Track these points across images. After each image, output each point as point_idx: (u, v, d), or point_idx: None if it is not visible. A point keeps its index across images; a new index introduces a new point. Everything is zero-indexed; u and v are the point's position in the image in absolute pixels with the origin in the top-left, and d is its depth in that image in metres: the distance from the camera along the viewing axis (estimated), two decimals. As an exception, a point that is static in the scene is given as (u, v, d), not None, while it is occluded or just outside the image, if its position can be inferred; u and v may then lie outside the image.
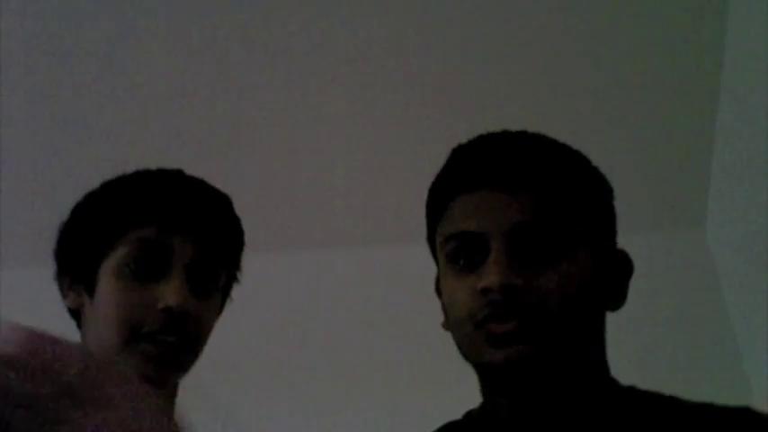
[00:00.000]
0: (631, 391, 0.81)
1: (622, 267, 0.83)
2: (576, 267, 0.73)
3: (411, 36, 2.13)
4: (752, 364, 2.17)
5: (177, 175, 1.00)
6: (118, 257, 0.88)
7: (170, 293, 0.84)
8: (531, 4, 2.07)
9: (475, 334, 0.73)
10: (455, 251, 0.77)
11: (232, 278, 0.99)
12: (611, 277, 0.79)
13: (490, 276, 0.71)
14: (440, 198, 0.82)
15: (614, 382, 0.82)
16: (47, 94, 2.22)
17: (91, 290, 0.90)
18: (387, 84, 2.22)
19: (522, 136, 0.84)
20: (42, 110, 2.25)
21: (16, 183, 2.37)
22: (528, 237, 0.73)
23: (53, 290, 2.75)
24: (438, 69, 2.19)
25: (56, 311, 2.66)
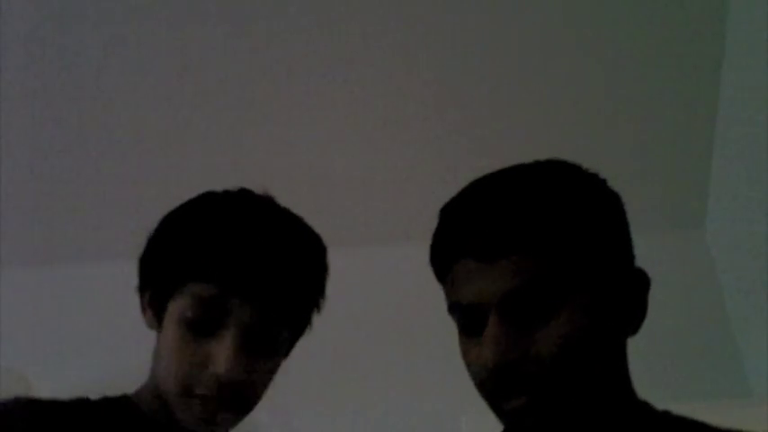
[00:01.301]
0: (665, 416, 0.79)
1: (637, 288, 0.79)
2: (576, 315, 0.72)
3: (411, 37, 2.13)
4: (752, 364, 2.17)
5: (246, 217, 0.88)
6: (179, 305, 0.85)
7: (220, 359, 0.82)
8: (531, 4, 2.07)
9: (489, 402, 0.74)
10: (458, 319, 0.78)
11: (298, 333, 0.96)
12: (624, 305, 0.77)
13: (484, 355, 0.71)
14: (437, 264, 0.81)
15: (646, 406, 0.80)
16: (47, 94, 2.22)
17: (160, 321, 0.88)
18: (387, 84, 2.22)
19: (508, 192, 0.77)
20: (43, 110, 2.25)
21: (16, 183, 2.37)
22: (521, 302, 0.72)
23: (53, 290, 2.75)
24: (437, 70, 2.20)
25: (56, 311, 2.66)
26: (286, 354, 0.96)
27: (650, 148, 2.32)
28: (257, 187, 0.94)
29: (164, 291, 0.87)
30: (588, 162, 2.61)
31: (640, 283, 0.80)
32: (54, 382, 2.28)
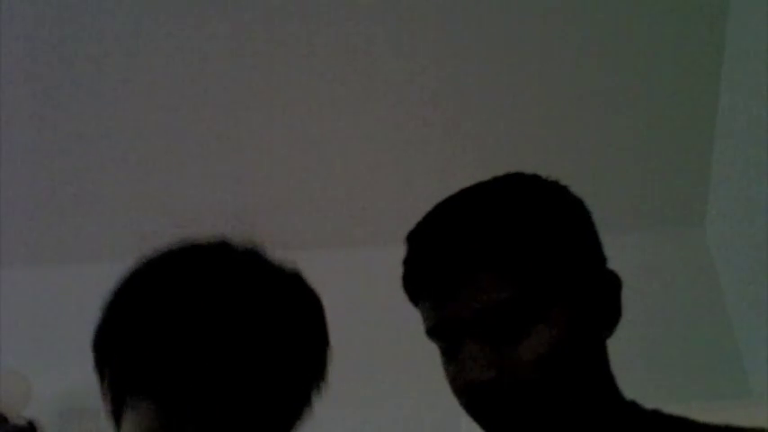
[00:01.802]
0: (654, 414, 0.79)
1: (610, 290, 0.79)
2: (549, 328, 0.72)
3: (411, 38, 2.13)
4: (752, 364, 2.17)
5: (222, 302, 0.68)
6: (129, 419, 0.69)
7: None
8: (531, 4, 2.07)
9: (476, 422, 0.75)
10: (437, 343, 0.79)
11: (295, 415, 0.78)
12: (598, 308, 0.77)
13: (462, 376, 0.73)
14: (409, 291, 0.81)
15: (634, 406, 0.80)
16: (47, 94, 2.22)
17: (117, 420, 0.72)
18: (387, 85, 2.22)
19: (467, 214, 0.77)
20: (43, 110, 2.25)
21: (16, 183, 2.37)
22: (492, 320, 0.72)
23: (53, 290, 2.75)
24: (437, 71, 2.20)
25: (56, 311, 2.66)
26: None
27: (650, 147, 2.32)
28: (243, 228, 0.82)
29: (117, 392, 0.71)
30: (588, 162, 2.63)
31: (612, 284, 0.80)
32: (54, 382, 2.28)
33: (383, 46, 2.15)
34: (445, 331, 0.75)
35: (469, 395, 0.73)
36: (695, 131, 2.29)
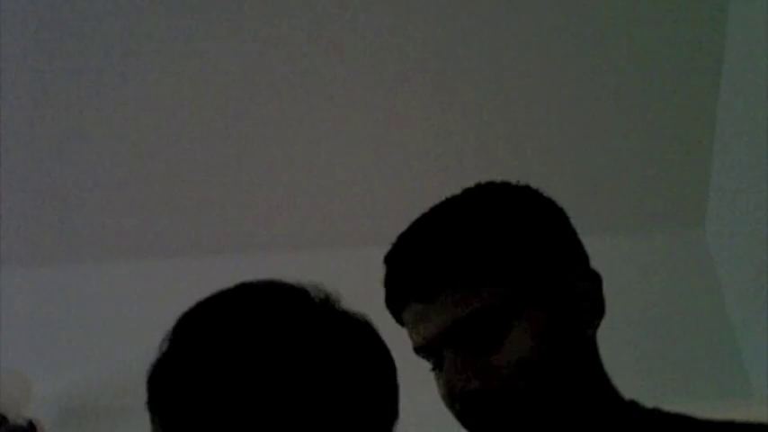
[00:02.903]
0: (653, 412, 0.80)
1: (587, 287, 0.80)
2: (527, 332, 0.74)
3: (410, 38, 2.13)
4: (752, 364, 2.17)
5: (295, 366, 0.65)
6: None
7: None
8: (531, 4, 2.07)
9: (468, 429, 0.76)
10: (425, 359, 0.80)
11: None
12: (577, 308, 0.78)
13: (447, 387, 0.74)
14: (391, 310, 0.84)
15: (633, 405, 0.81)
16: (47, 94, 2.22)
17: None
18: (387, 85, 2.22)
19: (435, 230, 0.79)
20: (43, 110, 2.25)
21: (16, 183, 2.37)
22: (467, 331, 0.74)
23: (53, 290, 2.76)
24: (437, 71, 2.20)
25: (56, 311, 2.66)
26: None
27: (650, 148, 2.32)
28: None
29: None
30: (588, 162, 2.62)
31: (591, 281, 0.81)
32: (54, 382, 2.28)
33: (384, 45, 2.15)
34: (427, 349, 0.77)
35: (458, 406, 0.75)
36: (695, 131, 2.29)
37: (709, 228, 2.44)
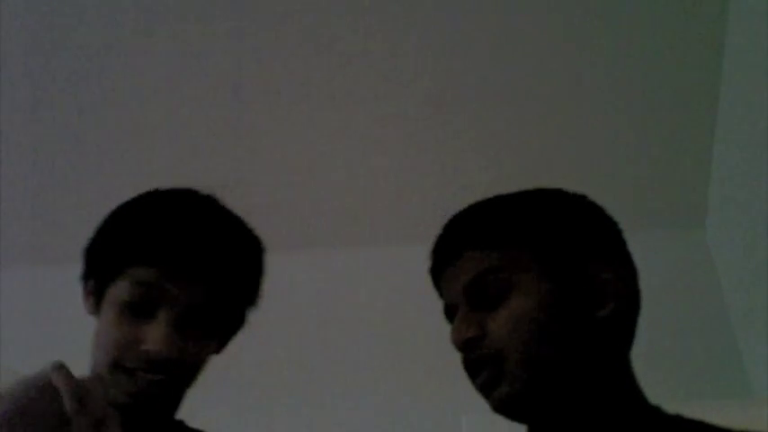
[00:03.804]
0: (676, 419, 0.81)
1: (613, 278, 0.84)
2: (530, 293, 0.79)
3: (413, 40, 2.13)
4: (752, 364, 2.17)
5: (188, 209, 0.93)
6: (116, 290, 0.89)
7: (152, 339, 0.85)
8: (532, 4, 2.07)
9: (472, 382, 0.83)
10: (449, 318, 0.88)
11: (237, 321, 0.99)
12: (593, 290, 0.82)
13: (451, 338, 0.82)
14: (432, 276, 0.91)
15: (657, 410, 0.82)
16: (47, 94, 2.22)
17: (99, 307, 0.92)
18: (388, 86, 2.22)
19: (471, 208, 0.88)
20: (43, 110, 2.25)
21: (16, 183, 2.37)
22: (476, 290, 0.82)
23: (53, 290, 2.75)
24: (437, 72, 2.20)
25: (55, 311, 2.66)
26: (218, 349, 0.97)
27: (650, 148, 2.32)
28: (207, 188, 0.98)
29: (105, 276, 0.91)
30: (588, 162, 2.62)
31: (617, 274, 0.85)
32: (54, 382, 2.27)
33: (385, 46, 2.15)
34: (451, 309, 0.85)
35: (461, 355, 0.82)
36: (695, 131, 2.29)
37: (709, 228, 2.44)
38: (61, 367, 0.79)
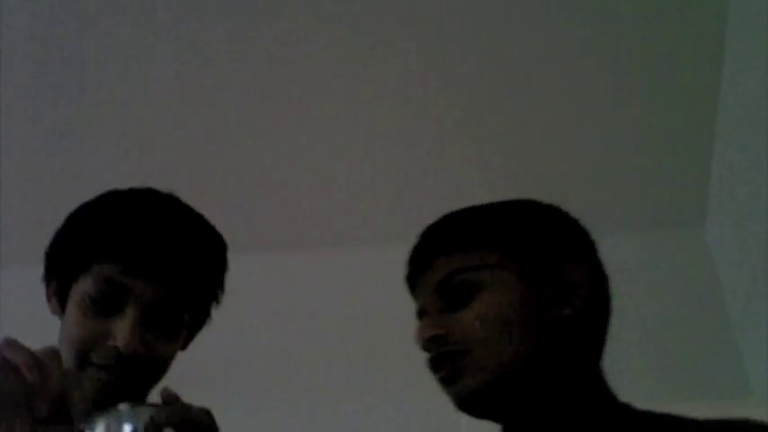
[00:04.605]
0: (645, 414, 0.81)
1: (581, 279, 0.85)
2: (499, 292, 0.82)
3: (410, 38, 2.13)
4: (752, 364, 2.17)
5: (149, 207, 0.95)
6: (82, 287, 0.90)
7: (120, 334, 0.86)
8: (532, 4, 2.07)
9: (433, 372, 0.86)
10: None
11: (202, 317, 1.00)
12: (553, 290, 0.83)
13: (417, 335, 0.85)
14: (409, 290, 0.94)
15: (626, 407, 0.83)
16: (47, 94, 2.22)
17: (63, 306, 0.93)
18: (387, 86, 2.22)
19: (442, 219, 0.91)
20: (43, 110, 2.26)
21: (16, 183, 2.37)
22: (447, 289, 0.84)
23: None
24: (434, 72, 2.20)
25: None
26: (184, 346, 0.98)
27: (650, 147, 2.32)
28: (170, 187, 0.99)
29: (68, 276, 0.92)
30: (588, 161, 2.61)
31: (584, 276, 0.85)
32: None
33: (385, 46, 2.15)
34: (421, 314, 0.88)
35: (424, 350, 0.84)
36: (695, 131, 2.29)
37: (709, 228, 2.44)
38: (12, 342, 0.78)
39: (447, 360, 0.82)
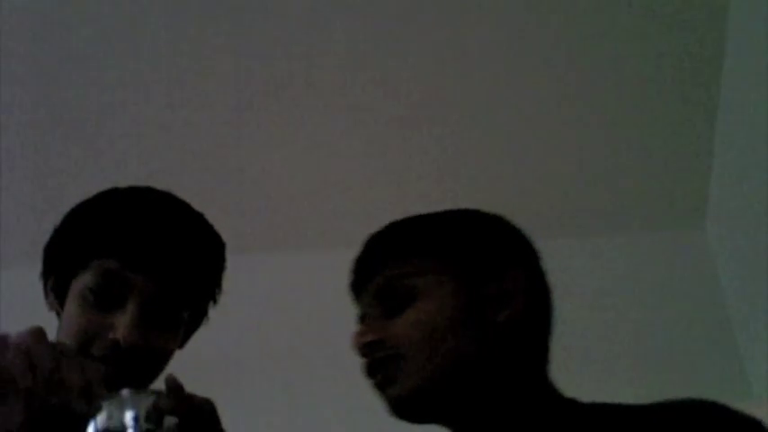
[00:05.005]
0: (590, 406, 0.82)
1: (516, 289, 0.86)
2: (434, 299, 0.83)
3: (406, 41, 2.13)
4: (752, 364, 2.17)
5: (149, 204, 0.96)
6: (82, 282, 0.90)
7: (121, 327, 0.87)
8: (532, 4, 2.07)
9: (368, 377, 0.87)
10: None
11: (200, 316, 1.00)
12: (488, 297, 0.84)
13: (353, 340, 0.87)
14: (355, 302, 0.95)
15: (570, 402, 0.83)
16: (47, 94, 2.22)
17: (62, 302, 0.94)
18: (387, 86, 2.22)
19: (384, 228, 0.92)
20: (43, 109, 2.26)
21: (16, 183, 2.37)
22: (386, 295, 0.86)
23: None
24: (434, 72, 2.20)
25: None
26: (181, 345, 0.98)
27: (650, 147, 2.32)
28: (170, 187, 0.99)
29: (68, 271, 0.92)
30: (588, 161, 2.61)
31: (519, 286, 0.86)
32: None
33: (380, 49, 2.15)
34: (362, 321, 0.89)
35: (361, 356, 0.86)
36: (695, 131, 2.29)
37: (709, 228, 2.44)
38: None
39: (381, 366, 0.83)
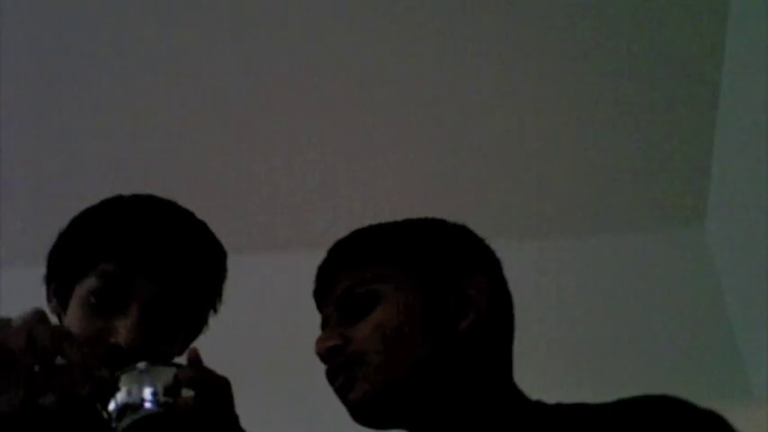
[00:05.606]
0: (555, 407, 0.82)
1: (479, 295, 0.86)
2: (396, 305, 0.83)
3: (410, 38, 2.13)
4: (752, 365, 2.17)
5: (154, 210, 0.98)
6: (85, 286, 0.92)
7: (122, 331, 0.88)
8: (532, 4, 2.07)
9: (330, 383, 0.88)
10: None
11: (200, 324, 1.02)
12: (447, 303, 0.85)
13: (316, 345, 0.87)
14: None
15: (535, 404, 0.84)
16: (47, 93, 2.22)
17: (65, 307, 0.95)
18: (387, 87, 2.22)
19: (348, 236, 0.94)
20: (43, 109, 2.26)
21: (16, 183, 2.37)
22: (347, 301, 0.87)
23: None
24: (435, 73, 2.20)
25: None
26: (180, 352, 0.98)
27: (650, 147, 2.32)
28: (170, 187, 1.02)
29: (72, 275, 0.94)
30: (588, 161, 2.62)
31: (482, 292, 0.86)
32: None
33: (380, 47, 2.15)
34: (324, 326, 0.90)
35: (323, 361, 0.86)
36: (695, 131, 2.29)
37: (709, 228, 2.44)
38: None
39: (342, 371, 0.84)
